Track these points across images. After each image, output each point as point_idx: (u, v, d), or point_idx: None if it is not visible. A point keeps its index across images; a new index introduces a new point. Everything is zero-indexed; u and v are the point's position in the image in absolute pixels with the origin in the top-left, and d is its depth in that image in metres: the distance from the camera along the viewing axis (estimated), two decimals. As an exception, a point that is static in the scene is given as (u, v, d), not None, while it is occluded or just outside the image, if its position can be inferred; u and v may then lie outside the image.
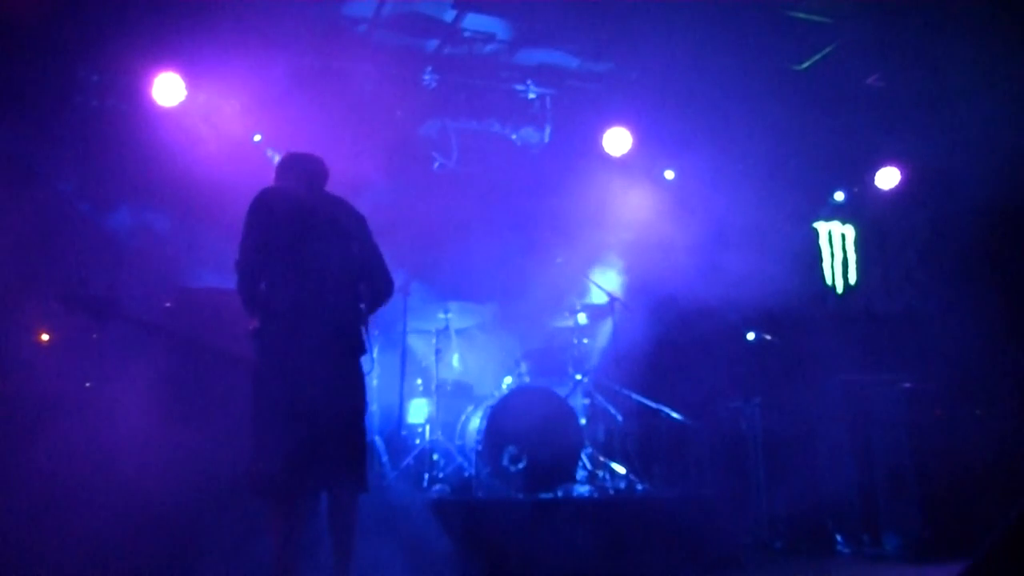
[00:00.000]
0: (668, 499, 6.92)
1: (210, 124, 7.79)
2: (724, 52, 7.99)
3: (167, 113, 7.65)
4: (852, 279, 9.83)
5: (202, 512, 5.04)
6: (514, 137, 8.86)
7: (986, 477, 6.66)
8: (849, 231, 9.90)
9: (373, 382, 7.26)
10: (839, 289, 9.75)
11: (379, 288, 4.92)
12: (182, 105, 7.70)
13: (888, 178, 9.41)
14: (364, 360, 4.87)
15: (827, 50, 8.31)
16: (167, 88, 7.56)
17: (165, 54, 7.43)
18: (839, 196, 9.73)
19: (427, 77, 8.36)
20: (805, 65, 8.56)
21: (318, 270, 4.62)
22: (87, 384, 5.35)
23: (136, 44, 7.32)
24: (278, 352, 4.50)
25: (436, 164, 8.71)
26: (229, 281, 4.65)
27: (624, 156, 9.13)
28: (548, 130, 8.85)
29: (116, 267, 7.12)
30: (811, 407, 8.11)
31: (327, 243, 4.69)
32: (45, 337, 6.18)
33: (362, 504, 4.69)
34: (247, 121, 8.02)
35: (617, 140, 9.00)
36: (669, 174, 9.56)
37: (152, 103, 7.60)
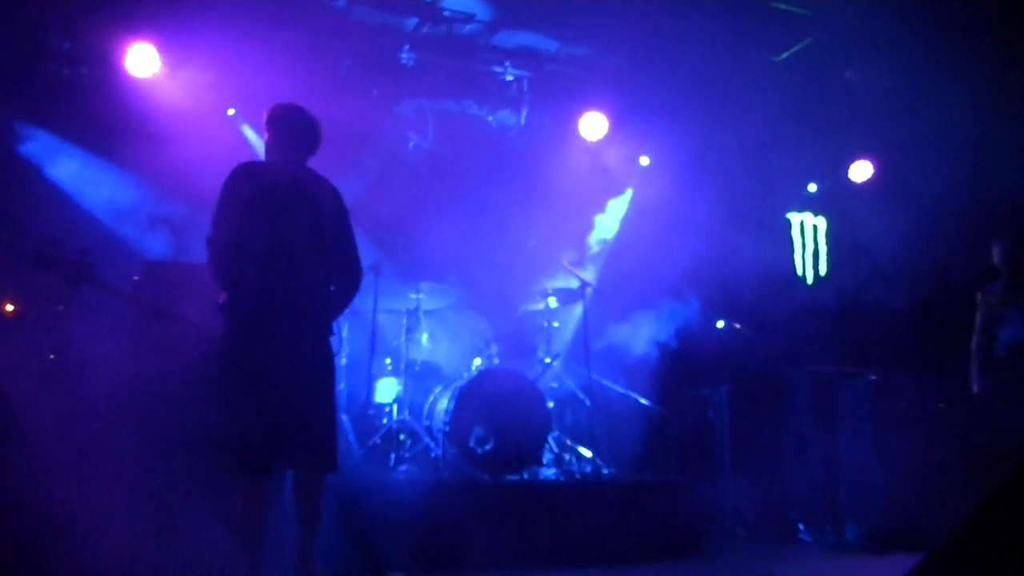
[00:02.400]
0: (633, 484, 6.95)
1: (184, 97, 7.71)
2: (703, 40, 7.99)
3: (140, 84, 7.58)
4: (823, 270, 9.89)
5: (171, 486, 5.01)
6: (490, 119, 8.83)
7: (949, 470, 6.73)
8: (821, 223, 9.96)
9: (342, 361, 7.24)
10: (809, 280, 9.81)
11: (348, 273, 4.89)
12: (156, 77, 7.63)
13: (861, 171, 9.47)
14: (333, 340, 4.86)
15: (805, 42, 8.34)
16: (140, 59, 7.49)
17: (139, 24, 7.36)
18: (813, 188, 9.78)
19: (405, 56, 8.32)
20: (783, 56, 8.59)
21: (290, 248, 4.59)
22: (51, 356, 5.30)
23: (109, 13, 7.25)
24: (247, 329, 4.48)
25: (411, 144, 8.68)
26: (201, 255, 4.62)
27: (600, 141, 9.14)
28: (525, 113, 8.83)
29: (86, 238, 7.05)
30: (778, 396, 8.18)
31: (301, 222, 4.66)
32: (9, 308, 6.12)
33: (328, 484, 4.69)
34: (221, 95, 7.96)
35: (593, 125, 9.00)
36: (644, 160, 9.57)
37: (125, 74, 7.53)
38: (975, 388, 6.68)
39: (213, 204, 4.60)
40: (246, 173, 4.69)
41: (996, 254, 6.77)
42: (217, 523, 4.62)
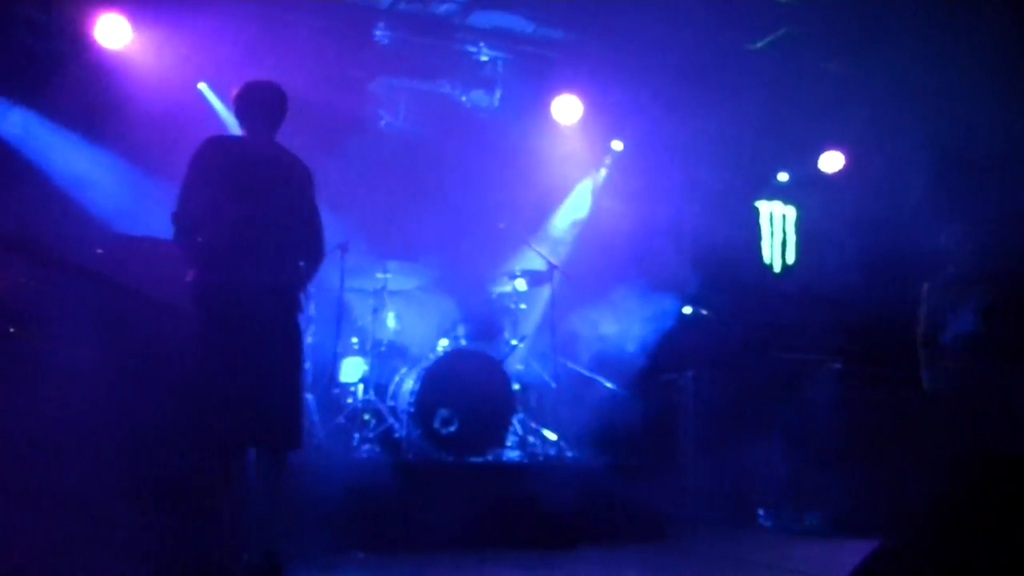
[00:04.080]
0: (596, 467, 6.98)
1: (155, 69, 7.61)
2: (681, 26, 7.99)
3: (111, 56, 7.48)
4: (790, 259, 9.96)
5: (136, 465, 4.98)
6: (464, 99, 8.79)
7: (908, 458, 6.82)
8: (790, 212, 10.02)
9: (308, 339, 7.20)
10: (776, 268, 9.87)
11: (312, 250, 4.87)
12: (127, 49, 7.53)
13: (832, 162, 9.51)
14: (301, 318, 4.84)
15: (782, 31, 8.35)
16: (111, 30, 7.38)
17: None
18: (783, 177, 9.82)
19: (379, 33, 8.25)
20: (760, 45, 8.59)
21: (258, 225, 4.56)
22: (11, 329, 5.23)
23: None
24: (214, 306, 4.45)
25: (383, 122, 8.62)
26: (169, 231, 4.57)
27: (573, 124, 9.12)
28: (498, 94, 8.79)
29: (56, 212, 6.98)
30: (743, 382, 8.25)
31: (269, 198, 4.63)
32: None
33: (292, 462, 4.68)
34: (193, 68, 7.86)
35: (567, 108, 8.98)
36: (617, 145, 9.57)
37: (95, 45, 7.42)
38: (925, 379, 6.75)
39: (181, 179, 4.56)
40: (214, 148, 4.66)
41: (945, 244, 6.84)
42: (182, 501, 4.61)
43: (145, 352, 5.00)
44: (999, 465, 2.26)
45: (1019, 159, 7.33)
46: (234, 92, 4.83)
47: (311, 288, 5.56)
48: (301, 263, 4.83)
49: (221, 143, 4.76)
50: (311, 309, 7.32)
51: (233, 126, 5.02)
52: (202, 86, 8.07)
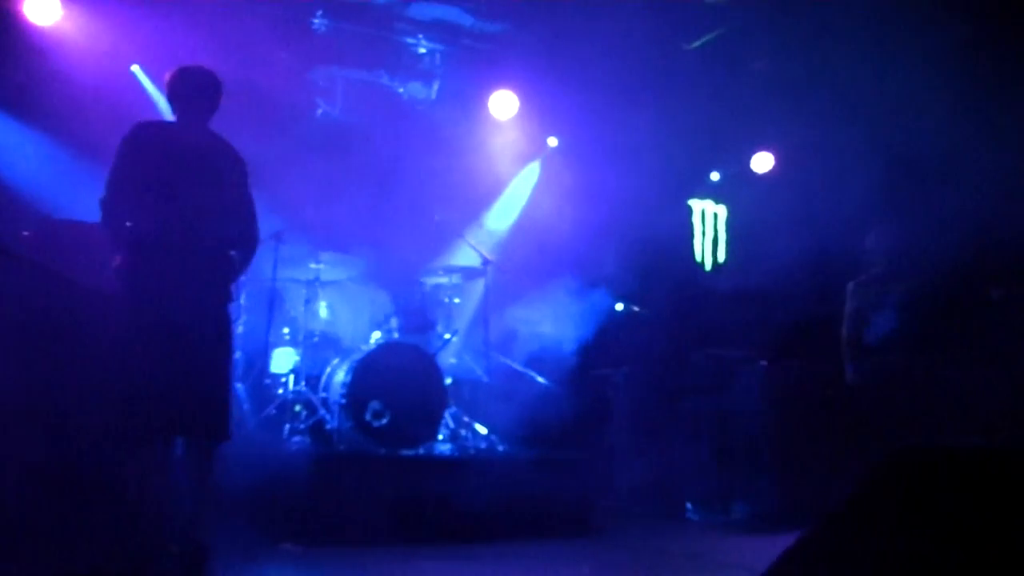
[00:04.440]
0: (527, 461, 6.99)
1: (87, 49, 7.44)
2: (617, 24, 8.03)
3: (40, 33, 7.30)
4: (721, 257, 10.09)
5: (60, 454, 4.86)
6: (401, 91, 8.75)
7: (833, 453, 6.97)
8: (722, 211, 10.15)
9: (239, 329, 7.11)
10: (707, 266, 10.00)
11: (245, 239, 4.81)
12: (57, 26, 7.35)
13: (763, 162, 9.66)
14: (231, 307, 4.78)
15: (717, 32, 8.45)
16: (40, 6, 7.20)
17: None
18: (715, 176, 9.94)
19: (317, 21, 8.17)
20: (695, 45, 8.69)
21: (187, 213, 4.50)
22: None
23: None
24: (142, 292, 4.38)
25: (320, 111, 8.55)
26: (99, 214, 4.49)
27: (509, 119, 9.14)
28: (436, 86, 8.77)
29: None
30: (674, 378, 8.34)
31: (200, 186, 4.57)
32: None
33: (220, 453, 4.62)
34: (126, 50, 7.71)
35: (504, 102, 9.01)
36: (552, 141, 9.62)
37: (24, 20, 7.23)
38: (848, 376, 6.91)
39: (110, 162, 4.48)
40: (144, 133, 4.58)
41: (870, 243, 7.01)
42: (105, 491, 4.52)
43: (69, 338, 4.88)
44: (905, 459, 2.33)
45: (948, 162, 7.51)
46: (167, 77, 4.76)
47: (242, 277, 5.49)
48: (233, 252, 4.76)
49: (151, 128, 4.68)
50: (242, 298, 7.24)
51: (167, 110, 4.93)
52: (135, 68, 7.92)
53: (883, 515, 2.29)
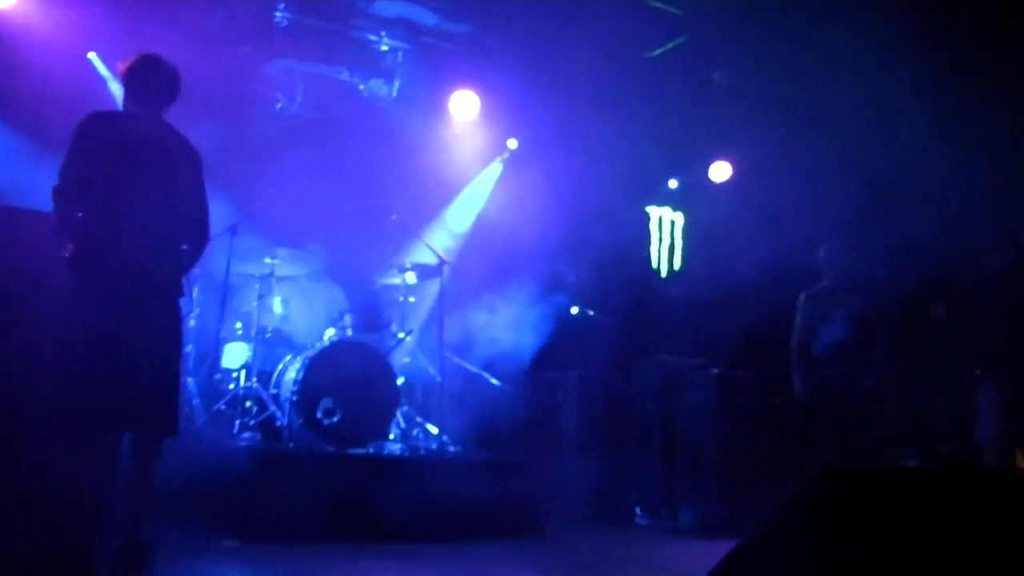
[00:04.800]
0: (477, 462, 7.03)
1: (44, 33, 7.34)
2: (579, 30, 8.06)
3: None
4: (677, 264, 10.16)
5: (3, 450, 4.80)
6: (362, 88, 8.70)
7: (780, 462, 7.06)
8: (679, 218, 10.22)
9: (191, 323, 7.07)
10: (663, 273, 10.06)
11: (197, 232, 4.77)
12: (13, 10, 7.24)
13: (721, 171, 9.74)
14: (183, 302, 4.74)
15: (678, 41, 8.51)
16: (-7, -11, 7.11)
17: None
18: (673, 184, 10.01)
19: (279, 15, 8.10)
20: (656, 53, 8.75)
21: (139, 204, 4.45)
22: None
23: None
24: (91, 284, 4.33)
25: (279, 105, 8.48)
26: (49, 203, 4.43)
27: (470, 120, 9.15)
28: (397, 85, 8.73)
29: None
30: (626, 383, 8.40)
31: (152, 177, 4.51)
32: None
33: (167, 447, 4.58)
34: (83, 36, 7.62)
35: (464, 103, 9.02)
36: (512, 143, 9.64)
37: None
38: (797, 387, 7.00)
39: (64, 151, 4.43)
40: (99, 122, 4.52)
41: (821, 256, 7.11)
42: (46, 485, 4.47)
43: (12, 329, 4.81)
44: (831, 477, 2.38)
45: (905, 178, 7.63)
46: (123, 66, 4.70)
47: (196, 271, 5.45)
48: (184, 246, 4.73)
49: (106, 118, 4.62)
50: (195, 292, 7.18)
51: (123, 98, 4.87)
52: (92, 56, 7.83)
53: (808, 531, 2.34)
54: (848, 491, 2.32)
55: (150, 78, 4.68)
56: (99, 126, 4.50)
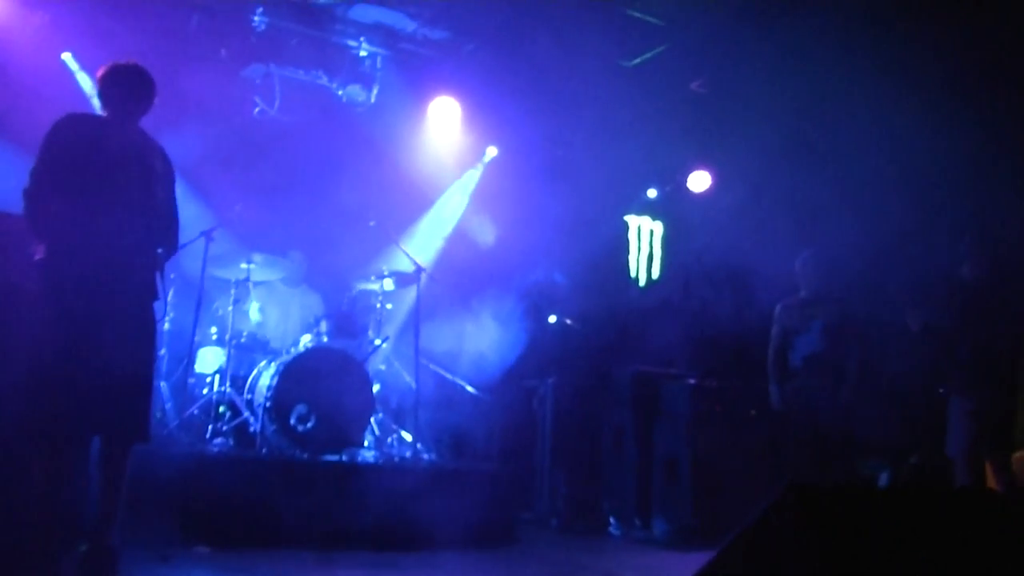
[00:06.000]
0: (452, 470, 7.01)
1: (17, 33, 7.29)
2: (559, 38, 8.07)
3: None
4: (655, 274, 10.17)
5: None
6: (340, 93, 8.67)
7: (754, 473, 7.08)
8: (658, 227, 10.22)
9: (165, 326, 7.01)
10: (642, 282, 10.07)
11: (167, 236, 4.75)
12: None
13: (699, 181, 9.76)
14: (157, 305, 4.70)
15: (657, 51, 8.52)
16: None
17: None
18: (652, 193, 10.02)
19: (257, 19, 8.07)
20: (635, 62, 8.76)
21: (113, 206, 4.43)
22: None
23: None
24: (63, 287, 4.30)
25: (256, 110, 8.45)
26: (19, 205, 4.40)
27: (449, 126, 9.15)
28: (376, 90, 8.70)
29: None
30: (602, 392, 8.40)
31: (126, 181, 4.49)
32: None
33: (137, 452, 4.55)
34: (57, 37, 7.57)
35: (443, 109, 9.02)
36: (492, 150, 9.64)
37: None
38: (772, 398, 7.02)
39: (36, 152, 4.39)
40: (72, 125, 4.50)
41: (796, 268, 7.14)
42: (16, 489, 4.44)
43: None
44: (798, 496, 2.38)
45: (880, 187, 7.67)
46: (99, 73, 4.69)
47: (170, 274, 5.40)
48: (159, 250, 4.70)
49: (79, 121, 4.59)
50: (170, 295, 7.13)
51: (98, 101, 4.85)
52: (66, 56, 7.77)
53: (775, 549, 2.34)
54: (815, 510, 2.32)
55: (125, 85, 4.66)
56: (72, 129, 4.48)
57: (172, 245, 4.77)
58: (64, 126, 4.46)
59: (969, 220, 7.25)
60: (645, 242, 10.17)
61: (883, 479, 7.75)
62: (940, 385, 6.31)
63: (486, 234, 9.26)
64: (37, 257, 4.35)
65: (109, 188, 4.44)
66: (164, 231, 4.71)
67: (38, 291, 4.34)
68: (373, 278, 7.81)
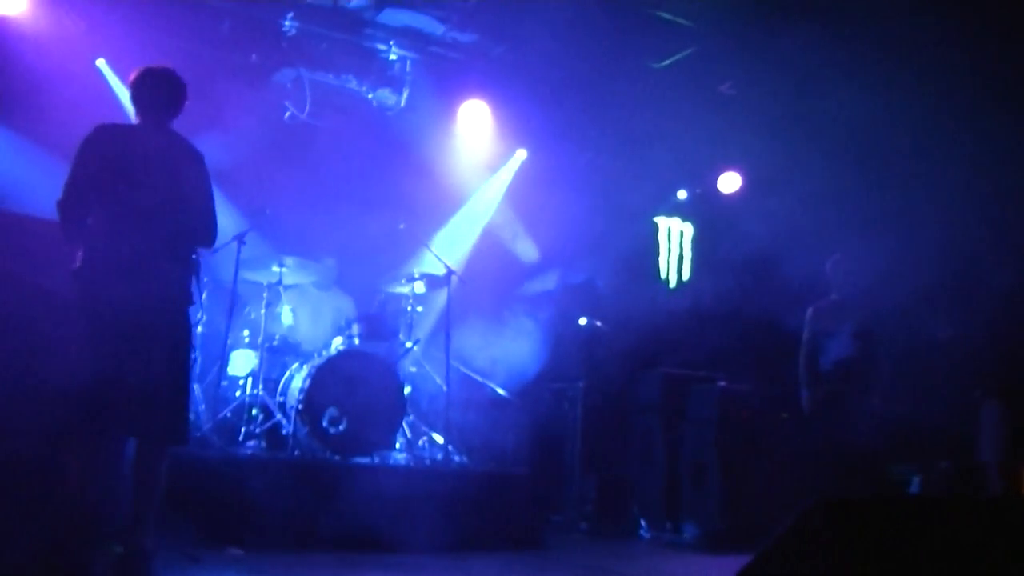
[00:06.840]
0: (482, 473, 7.03)
1: (53, 41, 7.37)
2: (588, 40, 8.07)
3: (5, 23, 7.22)
4: (685, 275, 10.14)
5: (6, 450, 4.81)
6: (370, 96, 8.70)
7: (783, 477, 7.03)
8: (688, 229, 10.20)
9: (199, 329, 7.07)
10: (672, 284, 10.05)
11: (203, 235, 4.78)
12: (23, 17, 7.27)
13: (730, 182, 9.73)
14: (192, 310, 4.75)
15: (686, 52, 8.50)
16: (7, -5, 7.15)
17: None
18: (682, 194, 10.00)
19: (287, 23, 8.11)
20: (664, 64, 8.73)
21: (146, 216, 4.47)
22: None
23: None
24: (99, 296, 4.35)
25: (287, 114, 8.50)
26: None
27: (479, 129, 9.16)
28: (406, 94, 8.72)
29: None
30: (631, 395, 8.39)
31: (160, 189, 4.54)
32: None
33: (171, 455, 4.60)
34: (92, 44, 7.66)
35: (473, 112, 9.03)
36: (521, 153, 9.65)
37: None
38: (804, 402, 6.97)
39: (70, 159, 4.45)
40: (105, 135, 4.55)
41: (828, 271, 7.09)
42: (52, 491, 4.49)
43: (18, 335, 4.82)
44: (829, 510, 2.37)
45: (911, 187, 7.61)
46: (131, 77, 4.74)
47: (205, 277, 5.44)
48: (194, 255, 4.75)
49: (111, 131, 4.63)
50: (203, 298, 7.19)
51: (131, 107, 4.90)
52: (101, 63, 7.86)
53: (806, 562, 2.33)
54: (847, 521, 2.30)
55: (156, 90, 4.71)
56: (105, 139, 4.53)
57: (207, 240, 4.80)
58: (95, 139, 4.51)
59: (1002, 227, 7.18)
60: (675, 244, 10.15)
61: (914, 485, 7.69)
62: (971, 391, 6.26)
63: (516, 237, 9.27)
64: (76, 265, 4.41)
65: (141, 197, 4.48)
66: (197, 233, 4.74)
67: (75, 299, 4.39)
68: (404, 281, 7.84)
